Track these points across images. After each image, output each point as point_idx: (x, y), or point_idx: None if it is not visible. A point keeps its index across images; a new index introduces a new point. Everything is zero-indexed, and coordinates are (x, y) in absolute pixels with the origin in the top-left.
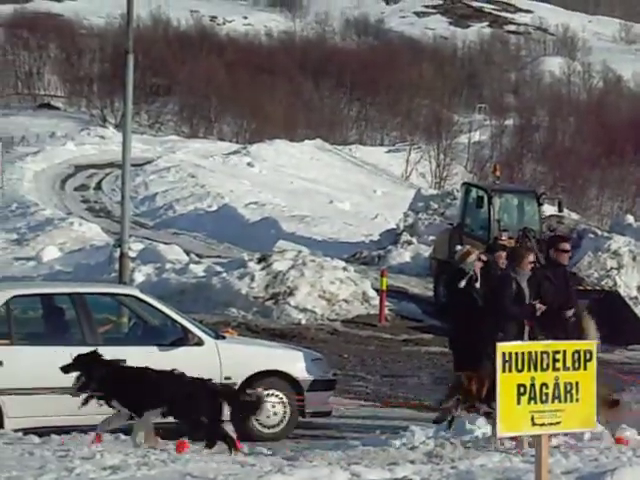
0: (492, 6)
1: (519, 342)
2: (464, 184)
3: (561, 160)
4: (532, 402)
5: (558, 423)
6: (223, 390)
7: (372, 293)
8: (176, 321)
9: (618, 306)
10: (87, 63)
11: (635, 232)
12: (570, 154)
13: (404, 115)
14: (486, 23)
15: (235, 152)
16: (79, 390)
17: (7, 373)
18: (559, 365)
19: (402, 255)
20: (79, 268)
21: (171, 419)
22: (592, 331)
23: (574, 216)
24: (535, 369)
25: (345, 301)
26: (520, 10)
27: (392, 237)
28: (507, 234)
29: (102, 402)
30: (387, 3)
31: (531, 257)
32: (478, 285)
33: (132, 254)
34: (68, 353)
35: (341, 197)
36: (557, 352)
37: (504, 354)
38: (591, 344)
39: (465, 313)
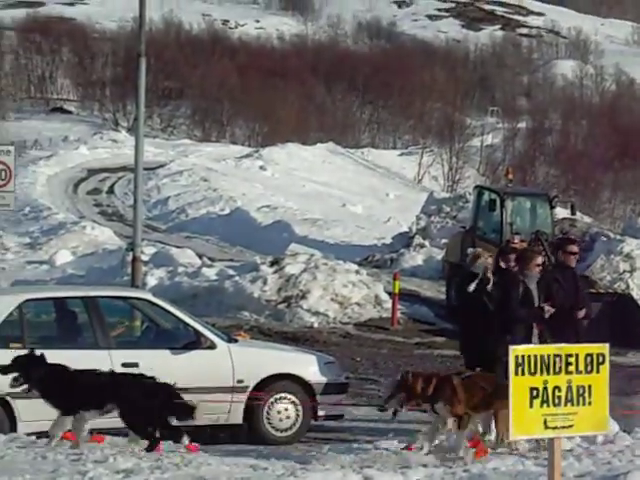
0: (504, 9)
1: (531, 345)
2: (476, 187)
3: (574, 163)
4: (545, 405)
5: (571, 426)
6: (162, 390)
7: (384, 296)
8: (189, 325)
9: (631, 309)
10: (99, 67)
11: None
12: (583, 157)
13: (416, 118)
14: (498, 26)
15: (247, 155)
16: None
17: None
18: (572, 368)
19: (414, 258)
20: (92, 272)
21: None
22: None
23: (587, 219)
24: (548, 372)
25: (357, 304)
26: (532, 13)
27: (404, 240)
28: (519, 237)
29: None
30: (399, 6)
31: (539, 259)
32: (490, 288)
33: (144, 258)
34: (81, 356)
35: (353, 200)
36: (570, 355)
37: (517, 357)
38: (603, 347)
39: (475, 317)
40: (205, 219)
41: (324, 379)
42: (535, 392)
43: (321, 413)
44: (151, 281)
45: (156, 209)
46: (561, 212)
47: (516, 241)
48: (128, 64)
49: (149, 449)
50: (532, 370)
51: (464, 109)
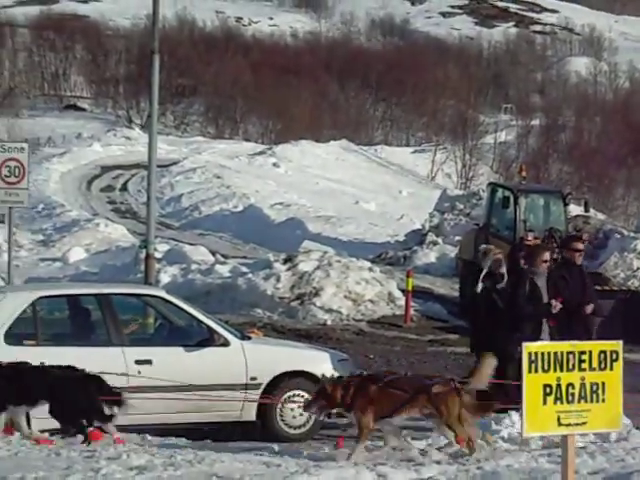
0: (518, 6)
1: (545, 342)
2: (490, 184)
3: (587, 160)
4: (558, 402)
5: (584, 423)
6: (92, 382)
7: (398, 293)
8: (202, 322)
9: None
10: (113, 64)
11: None
12: (596, 154)
13: (430, 115)
14: (512, 23)
15: (261, 153)
16: None
17: None
18: (585, 365)
19: (428, 255)
20: (105, 269)
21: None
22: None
23: (600, 216)
24: (561, 369)
25: (371, 301)
26: (546, 10)
27: (418, 237)
28: (533, 234)
29: None
30: (412, 3)
31: (545, 255)
32: (501, 285)
33: (158, 255)
34: (94, 354)
35: (367, 197)
36: (583, 352)
37: (530, 354)
38: (617, 344)
39: (484, 314)
40: (218, 216)
41: None
42: (548, 389)
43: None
44: (164, 278)
45: (169, 206)
46: (575, 209)
47: (530, 238)
48: (142, 61)
49: (84, 442)
50: (545, 367)
51: (477, 106)
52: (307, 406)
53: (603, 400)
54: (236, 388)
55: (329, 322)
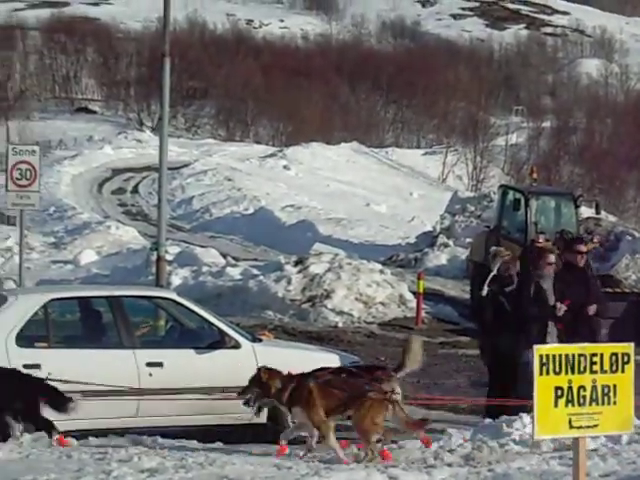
0: (529, 8)
1: (556, 345)
2: (501, 186)
3: (598, 162)
4: (570, 405)
5: (596, 426)
6: (36, 384)
7: (409, 296)
8: (213, 324)
9: None
10: (124, 67)
11: None
12: (607, 156)
13: (441, 117)
14: (523, 25)
15: (271, 155)
16: None
17: (45, 376)
18: (596, 368)
19: (439, 258)
20: (116, 271)
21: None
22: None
23: (611, 218)
24: (572, 372)
25: (382, 304)
26: (557, 12)
27: (429, 240)
28: (544, 236)
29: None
30: (423, 5)
31: (551, 258)
32: (512, 288)
33: (169, 257)
34: (105, 356)
35: (378, 200)
36: (594, 355)
37: (541, 357)
38: (628, 347)
39: (492, 317)
40: (229, 218)
41: None
42: (560, 392)
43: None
44: (175, 280)
45: (180, 209)
46: (586, 211)
47: (541, 240)
48: (152, 64)
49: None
50: (557, 370)
51: (488, 108)
52: (241, 393)
53: (614, 402)
54: None
55: (340, 324)
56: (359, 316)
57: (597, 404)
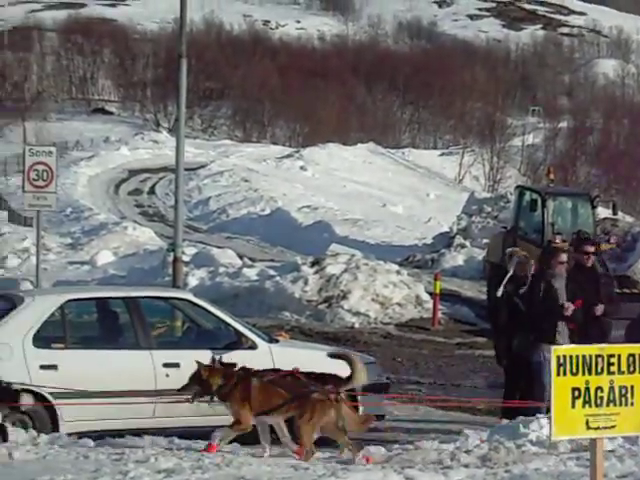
0: (545, 8)
1: (573, 345)
2: (518, 187)
3: (615, 162)
4: (587, 406)
5: (613, 427)
6: None
7: (425, 296)
8: (230, 325)
9: None
10: (141, 68)
11: None
12: (624, 156)
13: (457, 118)
14: (539, 25)
15: (288, 156)
16: None
17: (61, 377)
18: (614, 369)
19: (455, 258)
20: (133, 272)
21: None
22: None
23: (628, 219)
24: (590, 372)
25: (398, 305)
26: (573, 12)
27: (445, 240)
28: (561, 237)
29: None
30: (440, 6)
31: (562, 257)
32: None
33: (186, 258)
34: (122, 357)
35: (394, 200)
36: (612, 355)
37: (558, 357)
38: None
39: (507, 318)
40: (246, 219)
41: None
42: (577, 392)
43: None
44: (192, 281)
45: (197, 209)
46: (603, 212)
47: (557, 241)
48: (169, 65)
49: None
50: (574, 370)
51: (505, 109)
52: (180, 390)
53: (632, 403)
54: None
55: (357, 325)
56: (375, 317)
57: (614, 405)
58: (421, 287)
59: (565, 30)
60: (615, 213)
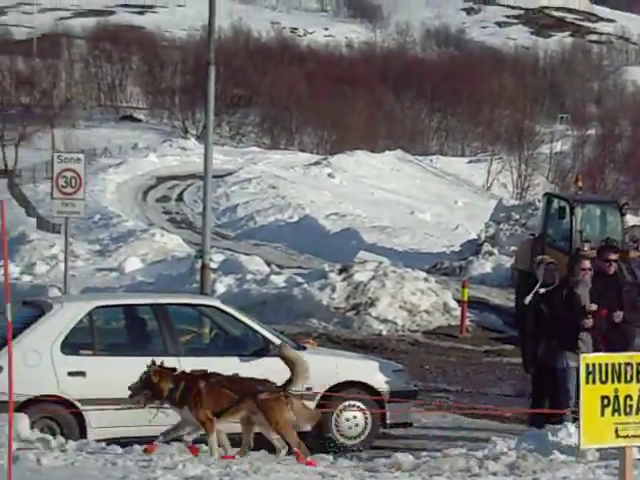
0: (574, 16)
1: (601, 353)
2: (546, 194)
3: None
4: (616, 414)
5: None
6: None
7: (453, 304)
8: (257, 332)
9: None
10: (169, 75)
11: None
12: None
13: (485, 125)
14: (568, 33)
15: (316, 163)
16: None
17: (90, 383)
18: None
19: (483, 266)
20: (161, 279)
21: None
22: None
23: None
24: (619, 381)
25: (426, 312)
26: (602, 19)
27: (473, 248)
28: (589, 245)
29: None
30: (468, 13)
31: (586, 264)
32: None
33: (213, 265)
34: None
35: (422, 208)
36: None
37: (587, 365)
38: None
39: (534, 325)
40: (273, 226)
41: (393, 387)
42: (606, 401)
43: (390, 421)
44: (220, 288)
45: (225, 216)
46: (631, 219)
47: (586, 249)
48: (197, 72)
49: None
50: (603, 379)
51: (533, 116)
52: (131, 395)
53: None
54: None
55: (384, 332)
56: (403, 324)
57: None
58: (449, 294)
59: (594, 37)
60: None
